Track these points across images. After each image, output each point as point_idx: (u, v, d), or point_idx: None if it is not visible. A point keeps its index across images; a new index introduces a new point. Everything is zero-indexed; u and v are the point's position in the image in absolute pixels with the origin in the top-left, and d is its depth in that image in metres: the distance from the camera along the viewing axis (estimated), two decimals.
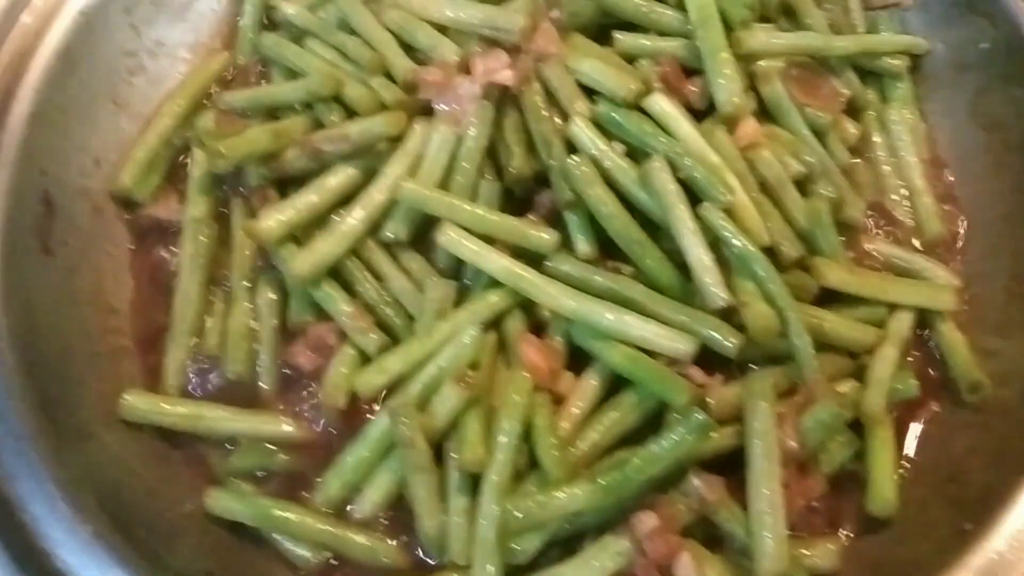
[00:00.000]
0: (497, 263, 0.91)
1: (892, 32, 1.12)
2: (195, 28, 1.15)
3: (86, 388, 0.91)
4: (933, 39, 1.11)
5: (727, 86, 0.95)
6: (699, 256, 0.87)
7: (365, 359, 0.93)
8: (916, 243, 1.02)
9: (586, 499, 0.82)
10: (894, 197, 1.05)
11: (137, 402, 0.92)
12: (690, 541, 0.83)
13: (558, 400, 0.88)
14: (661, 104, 0.95)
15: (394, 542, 0.87)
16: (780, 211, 0.93)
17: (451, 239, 0.92)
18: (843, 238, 0.97)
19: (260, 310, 0.98)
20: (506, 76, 0.94)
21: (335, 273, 0.96)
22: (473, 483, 0.85)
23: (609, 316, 0.87)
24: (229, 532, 0.89)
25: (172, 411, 0.93)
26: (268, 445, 0.92)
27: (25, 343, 0.87)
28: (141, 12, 1.09)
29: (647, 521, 0.82)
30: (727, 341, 0.85)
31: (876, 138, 1.07)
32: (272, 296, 0.98)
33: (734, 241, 0.88)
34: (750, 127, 0.96)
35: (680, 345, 0.86)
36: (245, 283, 0.99)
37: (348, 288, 0.95)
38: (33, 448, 0.81)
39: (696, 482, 0.84)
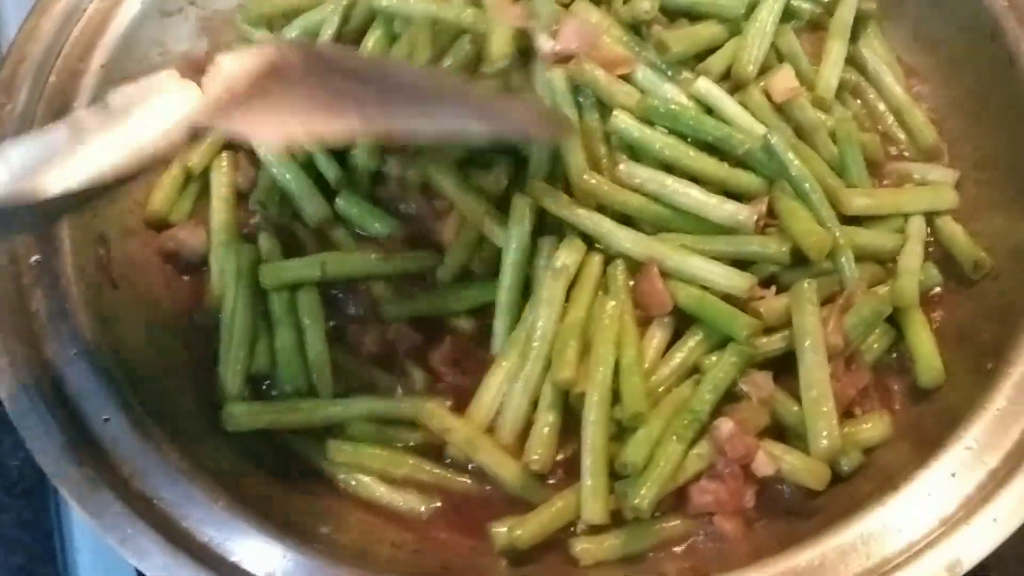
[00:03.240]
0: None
1: None
2: None
3: (186, 398, 0.99)
4: None
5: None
6: None
7: None
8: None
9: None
10: (889, 120, 1.15)
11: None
12: (766, 440, 0.92)
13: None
14: (708, 88, 1.05)
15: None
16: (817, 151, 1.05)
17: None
18: None
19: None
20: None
21: None
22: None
23: (673, 257, 0.97)
24: None
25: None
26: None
27: (125, 365, 0.94)
28: (151, 63, 1.16)
29: (724, 427, 0.90)
30: (778, 251, 0.96)
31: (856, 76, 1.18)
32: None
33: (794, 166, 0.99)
34: (789, 79, 1.07)
35: (739, 282, 0.95)
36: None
37: None
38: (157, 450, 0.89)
39: (743, 386, 0.93)
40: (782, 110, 1.07)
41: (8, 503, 1.13)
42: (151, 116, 0.77)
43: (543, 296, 0.97)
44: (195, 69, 0.82)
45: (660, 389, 0.95)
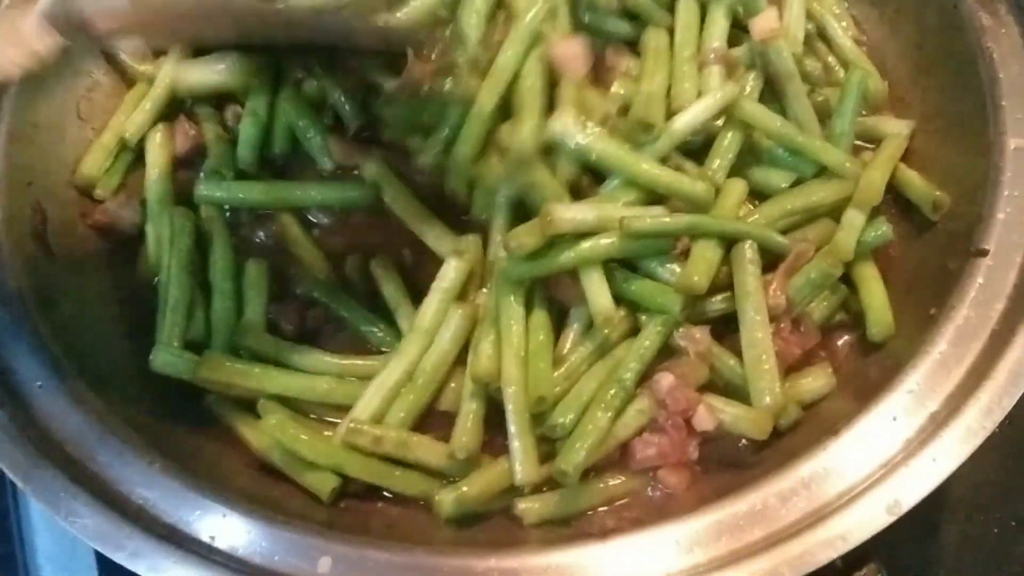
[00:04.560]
0: None
1: None
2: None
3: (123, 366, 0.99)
4: None
5: None
6: None
7: None
8: None
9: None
10: (840, 74, 1.14)
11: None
12: (707, 394, 0.92)
13: None
14: None
15: None
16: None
17: None
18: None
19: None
20: None
21: None
22: None
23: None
24: None
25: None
26: None
27: (61, 333, 0.94)
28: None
29: (664, 381, 0.90)
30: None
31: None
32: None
33: None
34: (772, 20, 1.06)
35: None
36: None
37: None
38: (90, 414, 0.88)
39: (680, 341, 0.93)
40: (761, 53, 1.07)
41: None
42: None
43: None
44: None
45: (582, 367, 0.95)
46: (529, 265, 0.94)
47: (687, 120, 1.01)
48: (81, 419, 0.87)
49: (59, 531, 1.05)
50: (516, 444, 0.90)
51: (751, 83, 1.07)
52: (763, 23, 1.07)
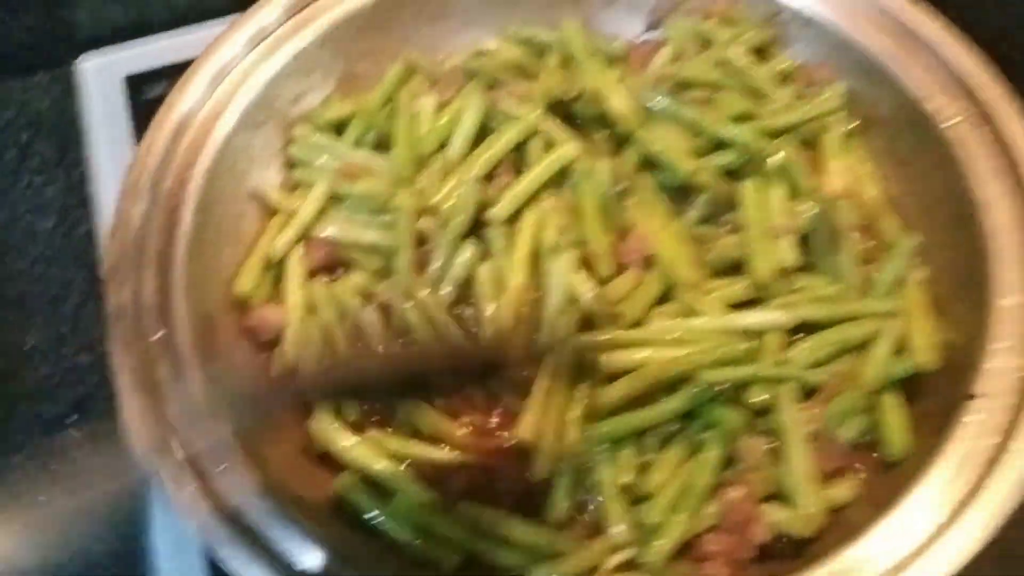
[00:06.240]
0: None
1: None
2: (280, 174, 1.45)
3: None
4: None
5: None
6: None
7: None
8: None
9: None
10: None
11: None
12: (765, 505, 1.12)
13: None
14: None
15: None
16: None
17: None
18: None
19: None
20: None
21: None
22: None
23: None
24: None
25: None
26: None
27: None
28: (240, 167, 1.39)
29: (733, 493, 1.11)
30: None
31: None
32: None
33: None
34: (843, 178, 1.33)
35: None
36: None
37: None
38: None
39: (738, 445, 1.14)
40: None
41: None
42: None
43: None
44: None
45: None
46: None
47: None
48: (251, 495, 1.08)
49: None
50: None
51: None
52: (835, 184, 1.31)
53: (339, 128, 1.46)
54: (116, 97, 1.65)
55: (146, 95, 1.66)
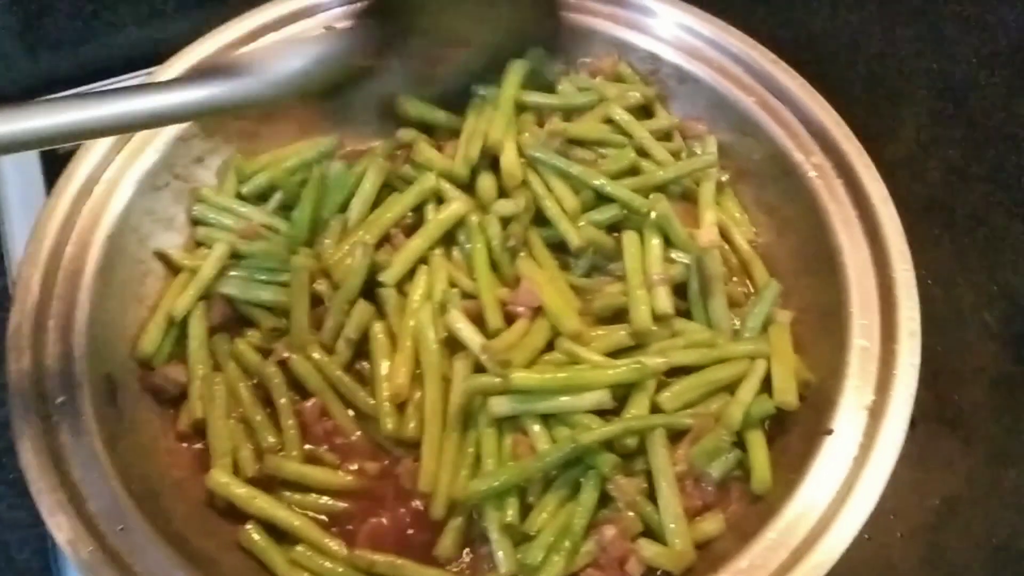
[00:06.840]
0: None
1: None
2: (183, 235, 1.50)
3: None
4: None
5: None
6: None
7: None
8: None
9: None
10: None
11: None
12: (638, 541, 1.19)
13: None
14: None
15: None
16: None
17: None
18: None
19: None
20: None
21: None
22: None
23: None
24: None
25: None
26: None
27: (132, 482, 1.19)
28: (144, 229, 1.44)
29: (607, 533, 1.18)
30: None
31: None
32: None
33: None
34: (713, 232, 1.46)
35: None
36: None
37: None
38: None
39: (611, 488, 1.21)
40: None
41: None
42: None
43: None
44: None
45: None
46: None
47: None
48: (152, 551, 1.12)
49: None
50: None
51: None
52: (707, 236, 1.41)
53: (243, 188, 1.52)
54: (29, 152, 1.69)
55: (59, 150, 1.69)
